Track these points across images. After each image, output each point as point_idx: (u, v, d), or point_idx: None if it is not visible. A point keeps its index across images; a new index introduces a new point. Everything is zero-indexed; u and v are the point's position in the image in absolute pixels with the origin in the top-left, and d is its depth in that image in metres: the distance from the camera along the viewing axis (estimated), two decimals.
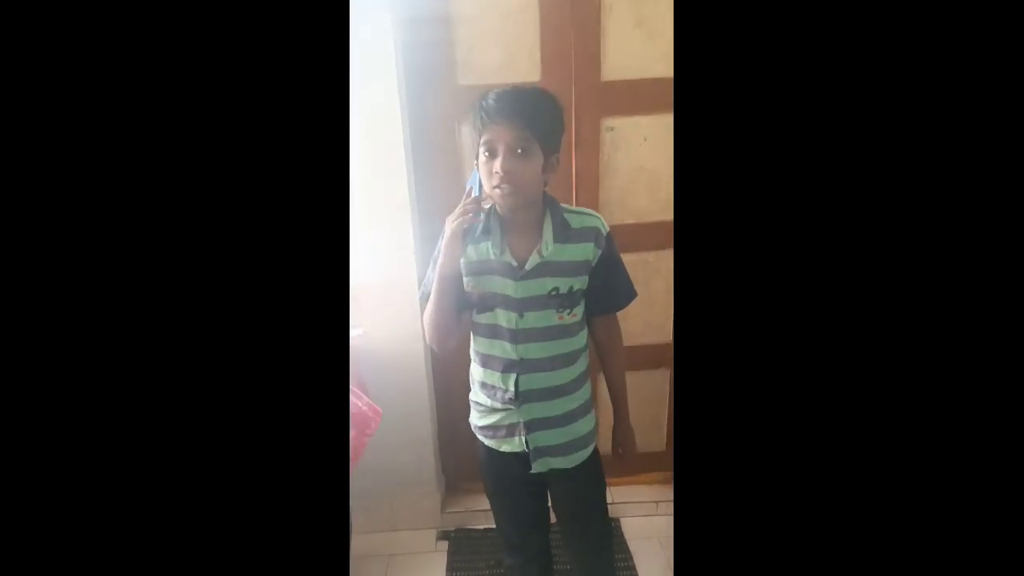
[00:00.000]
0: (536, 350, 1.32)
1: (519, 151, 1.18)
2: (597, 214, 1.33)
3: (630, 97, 1.91)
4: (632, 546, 2.12)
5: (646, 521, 2.24)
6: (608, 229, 1.32)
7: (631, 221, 2.03)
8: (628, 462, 1.51)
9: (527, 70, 1.86)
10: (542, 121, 1.20)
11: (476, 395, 1.43)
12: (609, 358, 1.45)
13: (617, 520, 2.22)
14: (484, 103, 1.19)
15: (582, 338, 1.37)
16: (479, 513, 2.23)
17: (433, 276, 1.30)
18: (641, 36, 1.85)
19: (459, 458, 2.33)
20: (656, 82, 1.89)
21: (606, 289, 1.34)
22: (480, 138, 1.20)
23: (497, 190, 1.19)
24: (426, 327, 1.33)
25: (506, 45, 1.85)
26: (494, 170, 1.18)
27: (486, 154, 1.20)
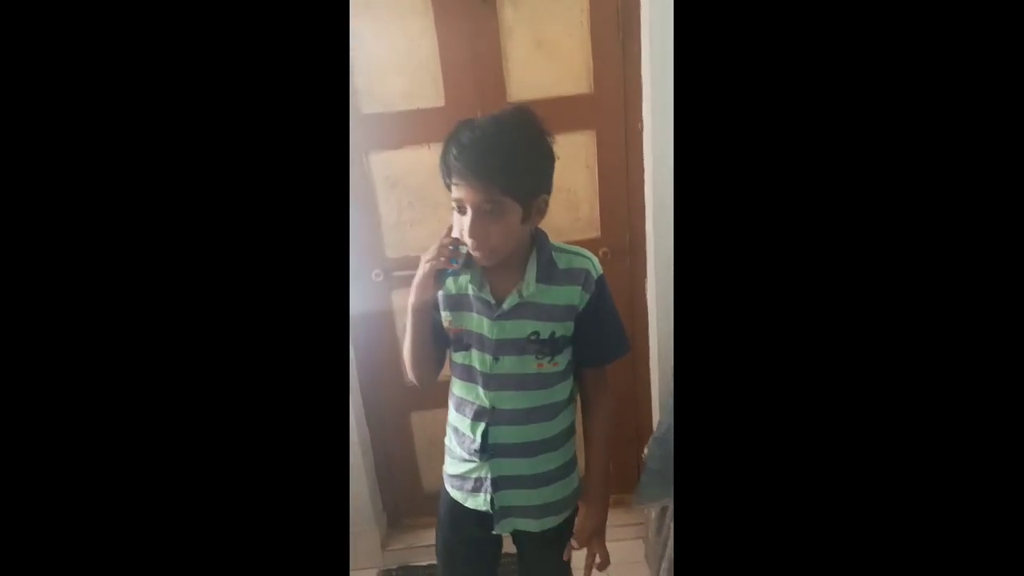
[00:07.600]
0: (510, 399, 1.21)
1: (489, 211, 1.07)
2: (590, 254, 1.21)
3: (540, 117, 1.90)
4: None
5: None
6: (600, 272, 1.20)
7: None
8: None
9: (432, 96, 1.87)
10: (514, 174, 1.06)
11: (449, 440, 1.33)
12: (590, 419, 1.29)
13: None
14: (447, 157, 1.08)
15: (564, 391, 1.24)
16: (423, 549, 2.17)
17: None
18: (543, 56, 1.85)
19: (399, 492, 2.28)
20: (565, 100, 1.89)
21: (592, 339, 1.22)
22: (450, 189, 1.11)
23: (470, 246, 1.11)
24: (404, 359, 1.26)
25: (409, 71, 1.86)
26: (464, 230, 1.10)
27: (455, 209, 1.11)
